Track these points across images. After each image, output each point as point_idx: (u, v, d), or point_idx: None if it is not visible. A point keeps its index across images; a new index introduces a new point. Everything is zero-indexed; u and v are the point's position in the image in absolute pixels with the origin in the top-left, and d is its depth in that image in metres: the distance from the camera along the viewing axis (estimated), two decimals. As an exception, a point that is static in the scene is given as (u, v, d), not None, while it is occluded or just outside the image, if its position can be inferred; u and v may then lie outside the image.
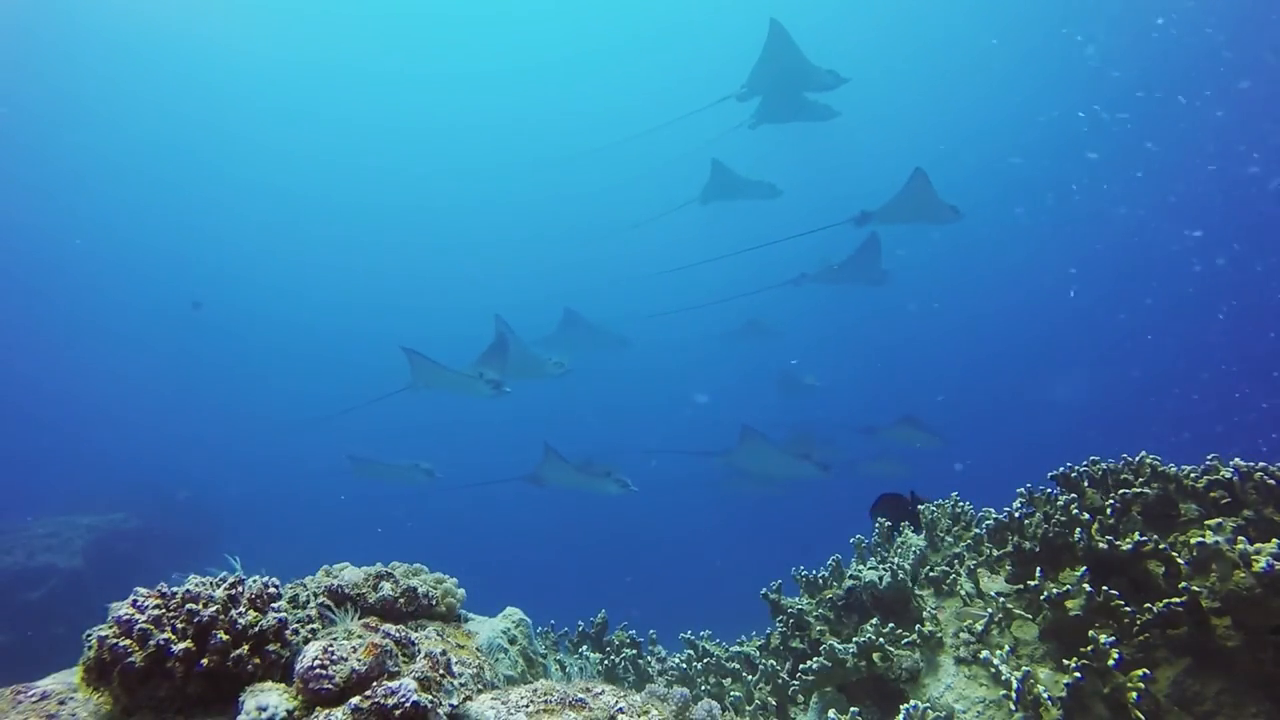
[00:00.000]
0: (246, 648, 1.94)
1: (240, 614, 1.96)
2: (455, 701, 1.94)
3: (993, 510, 3.77)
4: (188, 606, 1.92)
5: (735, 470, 12.87)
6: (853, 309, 25.25)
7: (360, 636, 1.99)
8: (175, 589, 1.98)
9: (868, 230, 12.31)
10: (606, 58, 31.73)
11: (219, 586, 2.02)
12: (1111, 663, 2.80)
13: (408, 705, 1.75)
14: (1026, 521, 3.49)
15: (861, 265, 13.50)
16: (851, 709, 3.15)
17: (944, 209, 11.54)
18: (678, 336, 23.78)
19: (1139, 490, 3.37)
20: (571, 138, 29.61)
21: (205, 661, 1.88)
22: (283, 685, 1.87)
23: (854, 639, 3.35)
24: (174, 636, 1.88)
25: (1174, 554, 3.08)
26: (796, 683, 3.48)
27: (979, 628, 3.27)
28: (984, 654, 3.16)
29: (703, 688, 3.80)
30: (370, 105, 32.08)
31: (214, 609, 1.94)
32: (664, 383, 27.11)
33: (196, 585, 2.00)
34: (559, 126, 31.28)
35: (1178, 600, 2.93)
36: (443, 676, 1.93)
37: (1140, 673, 2.80)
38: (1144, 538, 3.15)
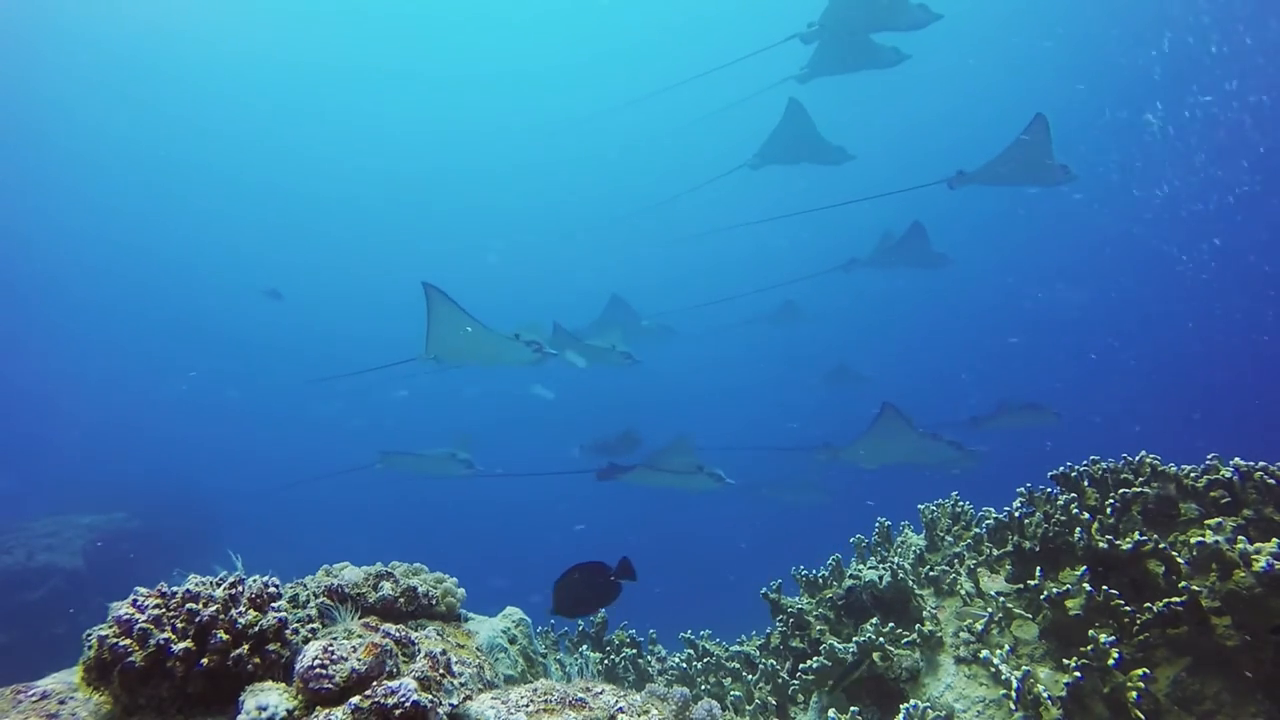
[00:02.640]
0: (247, 647, 1.94)
1: (240, 613, 1.96)
2: (455, 701, 1.94)
3: (993, 510, 3.77)
4: (188, 606, 1.92)
5: (840, 461, 10.77)
6: (892, 295, 24.23)
7: (360, 636, 1.99)
8: (175, 589, 1.98)
9: (961, 191, 10.49)
10: (653, 35, 30.77)
11: (219, 586, 2.02)
12: (1111, 662, 2.80)
13: (408, 705, 1.75)
14: (1026, 521, 3.49)
15: (911, 248, 12.73)
16: (851, 709, 3.15)
17: (1055, 167, 9.80)
18: (710, 325, 23.24)
19: (1139, 490, 3.36)
20: (601, 125, 29.21)
21: (205, 661, 1.88)
22: (283, 685, 1.87)
23: (854, 638, 3.35)
24: (174, 636, 1.88)
25: (1174, 554, 3.08)
26: (796, 682, 3.48)
27: (979, 627, 3.27)
28: (984, 653, 3.16)
29: (703, 687, 3.80)
30: (386, 105, 32.00)
31: (214, 608, 1.93)
32: (689, 374, 26.42)
33: (196, 585, 2.00)
34: (593, 111, 30.77)
35: (1178, 600, 2.93)
36: (443, 676, 1.92)
37: (1140, 672, 2.80)
38: (1144, 537, 3.15)
